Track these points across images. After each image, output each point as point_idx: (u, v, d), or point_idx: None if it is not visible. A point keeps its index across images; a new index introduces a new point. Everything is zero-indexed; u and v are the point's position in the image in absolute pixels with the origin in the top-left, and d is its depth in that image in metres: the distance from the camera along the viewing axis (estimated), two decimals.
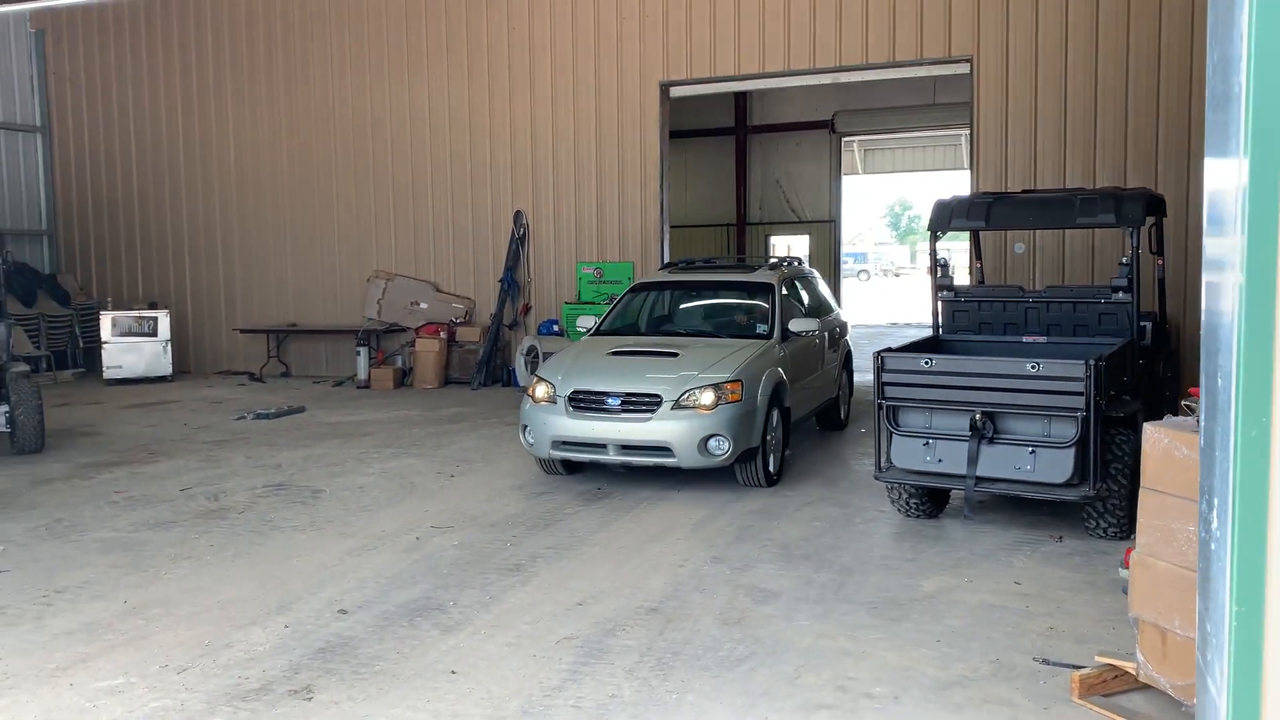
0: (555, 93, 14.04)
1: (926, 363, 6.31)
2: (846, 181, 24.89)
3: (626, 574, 5.78)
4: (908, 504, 6.77)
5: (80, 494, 7.96)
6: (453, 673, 4.50)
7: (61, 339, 15.66)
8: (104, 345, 14.57)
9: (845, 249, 26.47)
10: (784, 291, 8.92)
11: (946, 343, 7.49)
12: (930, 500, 6.77)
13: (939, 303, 7.59)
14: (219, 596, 5.54)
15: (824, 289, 10.51)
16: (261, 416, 11.51)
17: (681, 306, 9.63)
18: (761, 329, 8.63)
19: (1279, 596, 2.18)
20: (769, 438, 7.76)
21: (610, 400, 7.54)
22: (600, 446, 7.54)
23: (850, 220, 29.99)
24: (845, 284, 24.85)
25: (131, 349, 14.61)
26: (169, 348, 14.87)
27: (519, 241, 14.32)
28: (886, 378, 6.40)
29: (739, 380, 7.46)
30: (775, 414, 7.87)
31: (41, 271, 16.39)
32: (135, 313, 14.96)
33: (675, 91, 13.85)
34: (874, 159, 29.41)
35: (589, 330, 9.25)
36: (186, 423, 11.30)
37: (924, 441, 6.31)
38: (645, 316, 9.47)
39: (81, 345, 15.81)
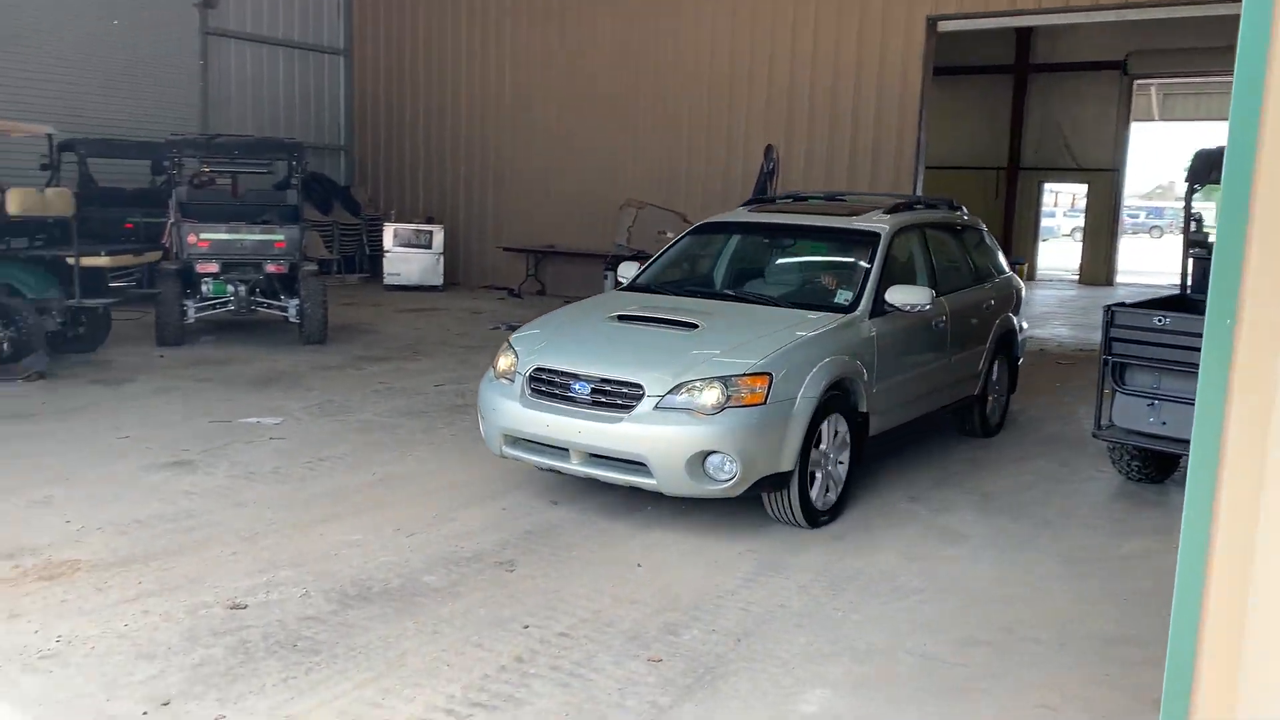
0: (818, 25, 13.91)
1: (1160, 320, 5.99)
2: (1137, 129, 23.08)
3: None
4: (1129, 466, 6.49)
5: (351, 381, 9.00)
6: (638, 565, 4.90)
7: (351, 246, 17.35)
8: (386, 254, 16.04)
9: (1138, 202, 24.46)
10: (891, 248, 6.36)
11: (1194, 302, 7.03)
12: (1155, 464, 6.46)
13: (1190, 260, 7.11)
14: (450, 478, 6.21)
15: (988, 245, 8.02)
16: (512, 328, 12.38)
17: (747, 260, 7.18)
18: (844, 297, 6.14)
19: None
20: (828, 456, 5.49)
21: (577, 387, 5.34)
22: (561, 451, 5.37)
23: (1143, 171, 27.79)
24: (1128, 241, 23.16)
25: (409, 259, 16.00)
26: (441, 260, 16.16)
27: (768, 176, 14.37)
28: (1115, 333, 6.12)
29: (766, 374, 5.14)
30: (834, 423, 5.53)
31: (337, 184, 18.15)
32: (414, 226, 16.34)
33: (943, 26, 13.36)
34: (1174, 104, 26.92)
35: (625, 281, 6.91)
36: (448, 328, 12.37)
37: (1149, 402, 6.02)
38: (697, 269, 7.23)
39: (368, 253, 17.46)
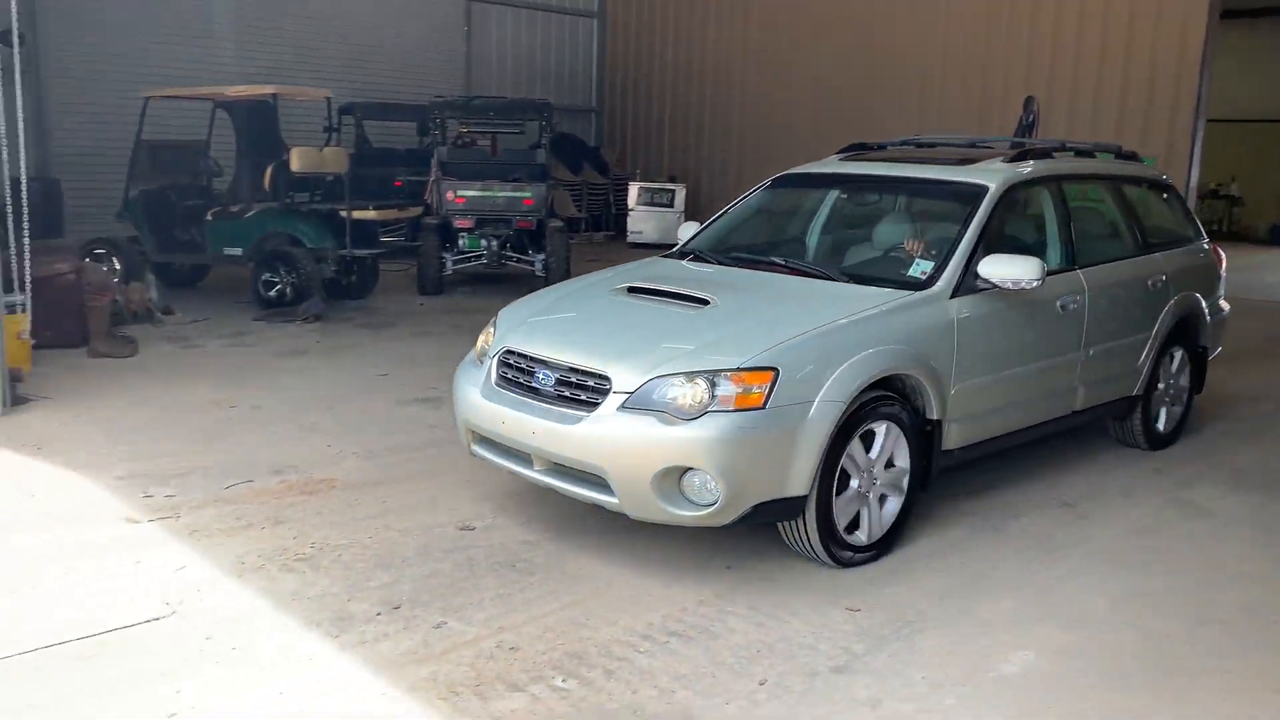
0: None
1: None
2: None
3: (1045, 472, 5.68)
4: None
5: None
6: None
7: (598, 205, 17.94)
8: (629, 212, 16.48)
9: None
10: (999, 207, 4.95)
11: None
12: None
13: None
14: None
15: (1170, 206, 6.42)
16: None
17: (816, 220, 5.87)
18: (920, 269, 4.78)
19: None
20: (870, 476, 4.28)
21: (542, 375, 4.31)
22: (524, 456, 4.35)
23: None
24: None
25: (651, 217, 16.36)
26: (681, 218, 16.41)
27: (1026, 129, 13.57)
28: None
29: (770, 369, 3.94)
30: (886, 434, 4.29)
31: (587, 144, 18.77)
32: (656, 185, 16.68)
33: None
34: None
35: (678, 244, 5.80)
36: None
37: None
38: (759, 232, 6.00)
39: (614, 211, 17.99)
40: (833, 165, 5.90)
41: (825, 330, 4.15)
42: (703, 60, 17.58)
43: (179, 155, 10.72)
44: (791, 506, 4.01)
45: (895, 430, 4.30)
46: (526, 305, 5.06)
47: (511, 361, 4.49)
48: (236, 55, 13.92)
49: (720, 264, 5.25)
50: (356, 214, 10.07)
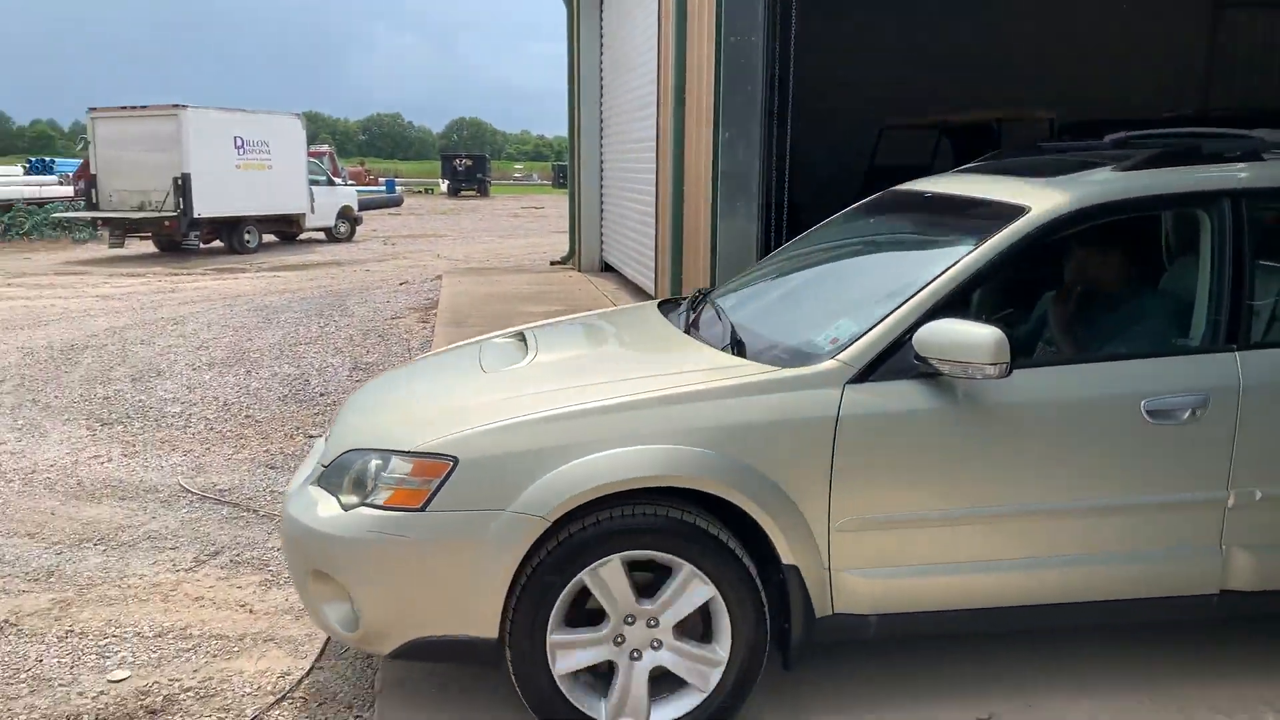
0: None
1: None
2: None
3: None
4: None
5: None
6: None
7: None
8: None
9: None
10: (1045, 247, 3.18)
11: None
12: None
13: None
14: None
15: None
16: None
17: (812, 254, 4.09)
18: (836, 333, 3.11)
19: None
20: (615, 637, 2.91)
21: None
22: None
23: None
24: None
25: None
26: None
27: None
28: None
29: (449, 459, 2.86)
30: (686, 581, 2.87)
31: None
32: None
33: None
34: None
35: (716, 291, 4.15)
36: None
37: None
38: (766, 270, 4.22)
39: None
40: (915, 186, 4.11)
41: (574, 412, 2.92)
42: None
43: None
44: (476, 651, 2.89)
45: (698, 575, 2.86)
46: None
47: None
48: (962, 79, 14.42)
49: (668, 314, 4.03)
50: None
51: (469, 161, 52.87)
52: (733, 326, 3.36)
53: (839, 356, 2.97)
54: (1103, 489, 3.06)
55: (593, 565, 2.82)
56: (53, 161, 38.65)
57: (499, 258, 18.52)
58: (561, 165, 57.00)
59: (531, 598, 2.82)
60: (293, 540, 3.06)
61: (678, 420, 2.87)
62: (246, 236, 20.74)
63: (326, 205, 23.20)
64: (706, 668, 2.92)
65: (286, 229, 22.57)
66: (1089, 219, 3.16)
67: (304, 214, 22.33)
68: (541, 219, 32.71)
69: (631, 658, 2.91)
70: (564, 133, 16.87)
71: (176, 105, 19.22)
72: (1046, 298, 3.61)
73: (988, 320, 3.00)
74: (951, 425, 2.96)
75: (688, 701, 2.93)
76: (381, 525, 2.84)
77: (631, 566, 2.87)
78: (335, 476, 3.04)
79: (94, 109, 19.78)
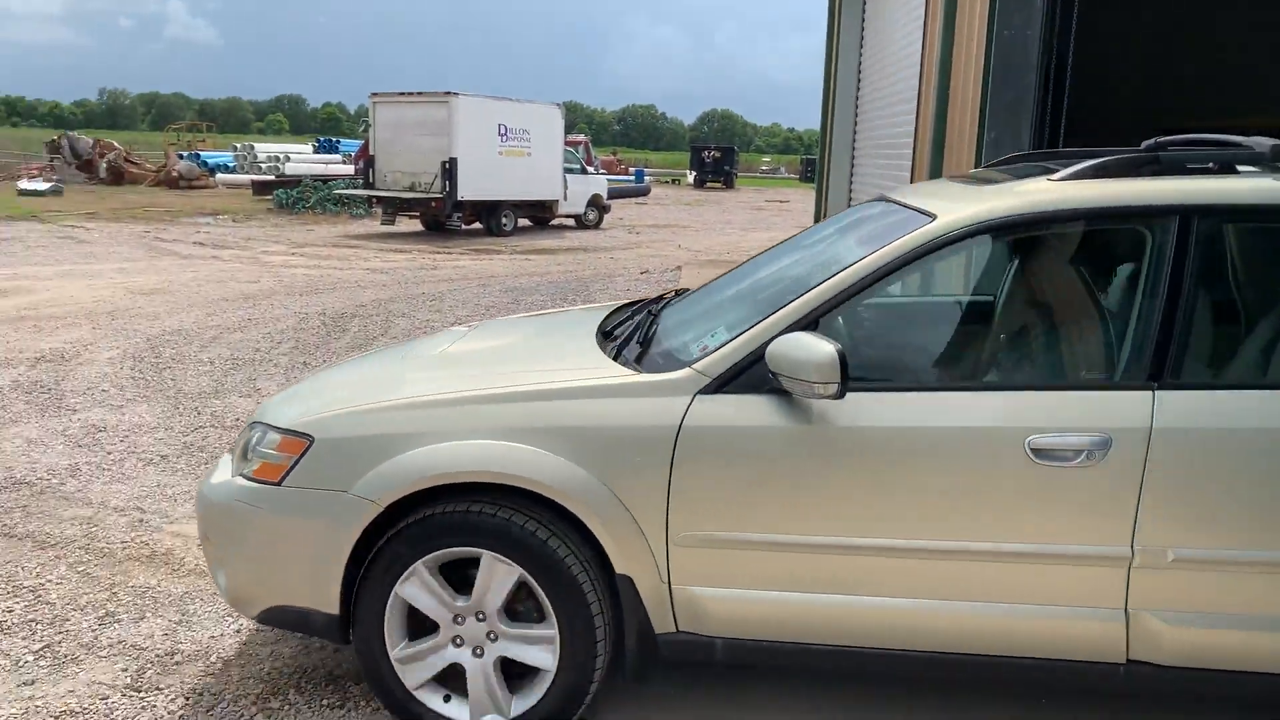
0: None
1: None
2: None
3: None
4: None
5: None
6: None
7: None
8: None
9: None
10: (945, 261, 2.86)
11: None
12: None
13: None
14: None
15: None
16: None
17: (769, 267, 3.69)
18: (704, 344, 2.97)
19: None
20: (449, 628, 2.97)
21: None
22: None
23: None
24: None
25: None
26: None
27: None
28: None
29: (305, 437, 2.96)
30: (492, 572, 2.89)
31: None
32: None
33: None
34: None
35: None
36: None
37: None
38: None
39: None
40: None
41: (425, 402, 2.96)
42: None
43: None
44: (321, 625, 3.01)
45: (499, 560, 2.86)
46: None
47: None
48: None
49: (613, 317, 3.85)
50: None
51: (717, 153, 53.16)
52: (636, 330, 3.30)
53: (695, 365, 2.85)
54: (976, 531, 2.70)
55: (404, 574, 2.90)
56: (338, 141, 42.11)
57: (740, 251, 18.46)
58: (810, 159, 56.35)
59: (370, 582, 2.93)
60: (202, 515, 3.20)
61: (521, 418, 2.85)
62: (504, 220, 21.74)
63: (579, 193, 23.96)
64: (545, 646, 2.91)
65: (540, 214, 23.49)
66: (991, 233, 2.86)
67: (557, 200, 23.16)
68: (785, 213, 32.44)
69: (475, 654, 2.95)
70: (815, 126, 16.62)
71: (449, 93, 20.34)
72: (936, 317, 3.24)
73: (851, 339, 2.89)
74: (800, 446, 2.75)
75: (542, 684, 2.94)
76: (244, 495, 3.01)
77: (452, 565, 2.93)
78: (238, 445, 3.21)
79: (375, 94, 21.24)
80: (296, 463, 2.95)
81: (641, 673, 2.96)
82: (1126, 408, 2.65)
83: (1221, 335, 2.82)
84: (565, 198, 23.37)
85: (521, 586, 2.89)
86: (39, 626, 3.75)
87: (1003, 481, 2.67)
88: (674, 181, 55.63)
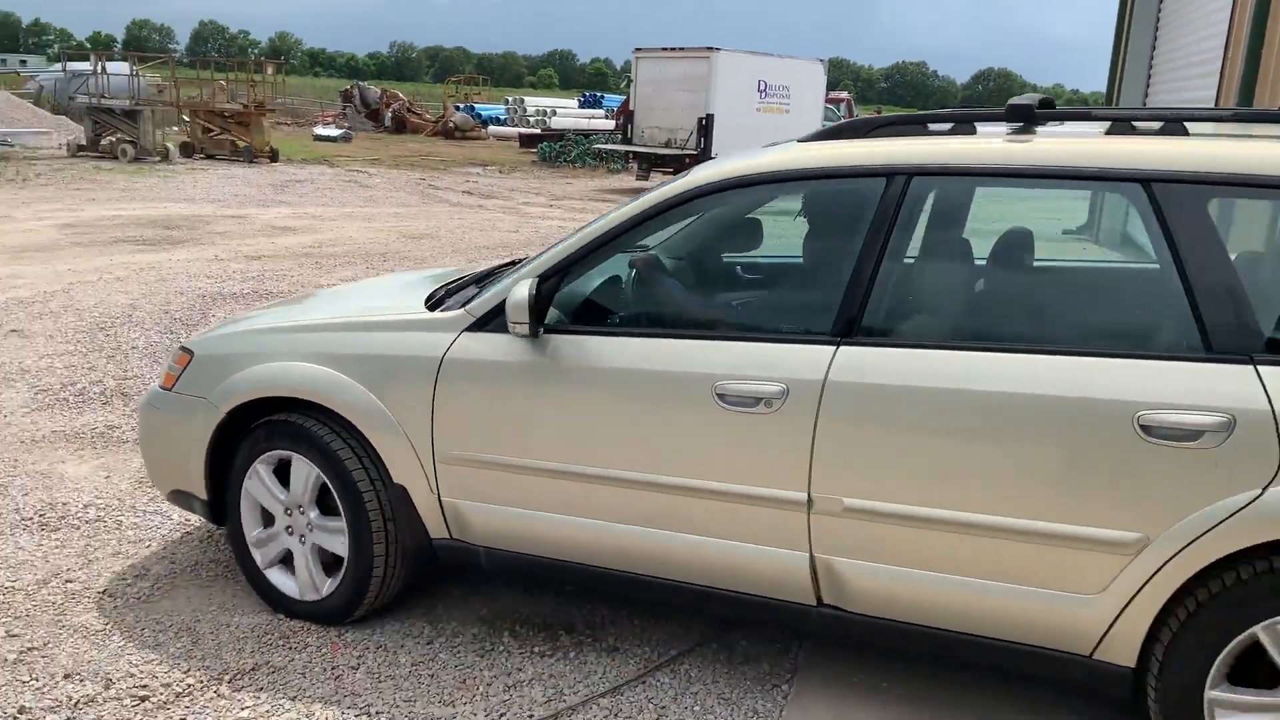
0: None
1: None
2: None
3: None
4: None
5: None
6: None
7: None
8: None
9: None
10: (686, 216, 3.26)
11: None
12: None
13: None
14: None
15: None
16: None
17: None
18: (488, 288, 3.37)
19: None
20: (282, 519, 3.54)
21: None
22: None
23: None
24: None
25: None
26: None
27: None
28: None
29: (188, 351, 3.66)
30: (296, 470, 3.44)
31: None
32: None
33: None
34: None
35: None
36: None
37: None
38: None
39: None
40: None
41: (266, 328, 3.55)
42: None
43: None
44: (200, 508, 3.67)
45: (302, 460, 3.38)
46: None
47: None
48: None
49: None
50: None
51: None
52: (460, 281, 3.69)
53: (467, 306, 3.23)
54: (669, 466, 2.92)
55: (249, 472, 3.48)
56: (602, 97, 43.08)
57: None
58: None
59: (231, 477, 3.54)
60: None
61: (329, 345, 3.33)
62: None
63: None
64: (340, 536, 3.37)
65: None
66: (729, 190, 3.06)
67: None
68: None
69: (300, 542, 3.48)
70: (1101, 88, 15.31)
71: (710, 48, 20.27)
72: (648, 267, 3.33)
73: (586, 290, 3.20)
74: (515, 379, 3.08)
75: (342, 570, 3.41)
76: (151, 398, 3.69)
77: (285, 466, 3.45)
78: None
79: (639, 49, 21.51)
80: (181, 374, 3.58)
81: (419, 569, 3.46)
82: (805, 360, 2.77)
83: (909, 294, 2.91)
84: None
85: (324, 488, 3.36)
86: None
87: (690, 423, 2.86)
88: None
